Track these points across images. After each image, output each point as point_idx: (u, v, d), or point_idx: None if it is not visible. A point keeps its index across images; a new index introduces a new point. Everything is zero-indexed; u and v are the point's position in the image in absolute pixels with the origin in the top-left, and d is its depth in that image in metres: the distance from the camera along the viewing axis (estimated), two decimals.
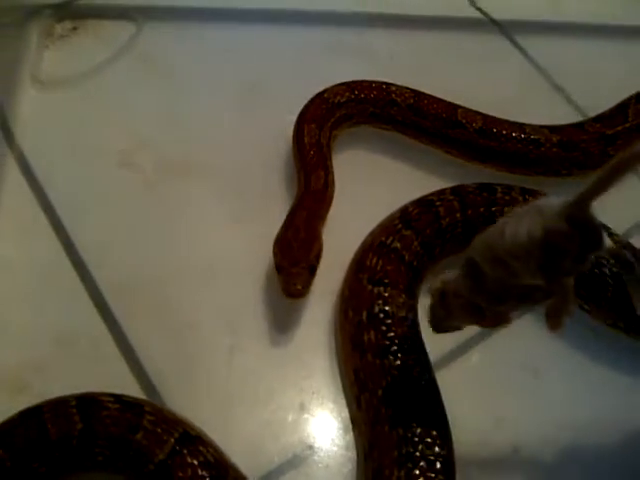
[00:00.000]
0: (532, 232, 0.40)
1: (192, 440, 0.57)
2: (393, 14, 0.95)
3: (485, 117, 0.79)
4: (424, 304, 0.67)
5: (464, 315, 0.48)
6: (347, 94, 0.79)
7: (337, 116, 0.77)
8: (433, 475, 0.55)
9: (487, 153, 0.79)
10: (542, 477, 0.65)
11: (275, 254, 0.67)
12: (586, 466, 0.65)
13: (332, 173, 0.74)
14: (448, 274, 0.49)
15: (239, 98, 0.84)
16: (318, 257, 0.67)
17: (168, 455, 0.55)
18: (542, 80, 0.91)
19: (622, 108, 0.82)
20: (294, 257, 0.65)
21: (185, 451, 0.56)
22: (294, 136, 0.76)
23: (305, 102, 0.78)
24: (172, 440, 0.56)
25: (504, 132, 0.78)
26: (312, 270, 0.66)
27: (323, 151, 0.74)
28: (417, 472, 0.55)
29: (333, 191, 0.74)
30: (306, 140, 0.74)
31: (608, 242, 0.43)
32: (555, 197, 0.41)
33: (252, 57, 0.88)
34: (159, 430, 0.56)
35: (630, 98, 0.83)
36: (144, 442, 0.56)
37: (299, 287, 0.63)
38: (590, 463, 0.65)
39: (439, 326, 0.53)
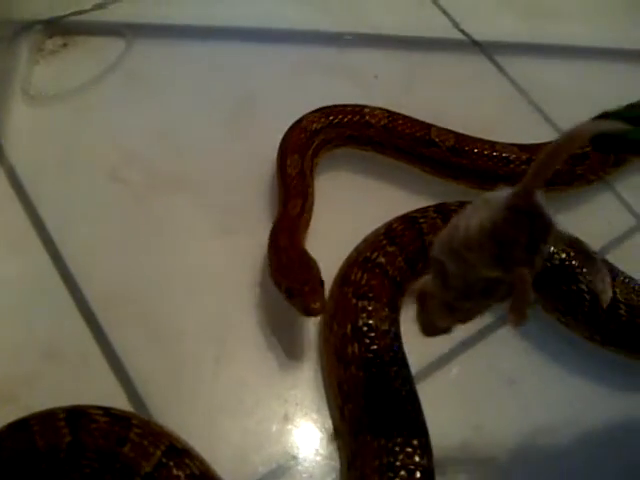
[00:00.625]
0: (482, 224, 0.41)
1: (178, 453, 0.58)
2: (378, 34, 0.96)
3: (458, 135, 0.81)
4: (407, 317, 0.70)
5: (439, 314, 0.49)
6: (323, 120, 0.80)
7: (316, 143, 0.79)
8: None
9: (459, 170, 0.81)
10: None
11: (280, 282, 0.66)
12: (562, 472, 0.67)
13: (311, 200, 0.75)
14: (426, 277, 0.49)
15: (226, 115, 0.85)
16: (319, 269, 0.67)
17: (154, 468, 0.56)
18: (522, 100, 0.94)
19: None
20: (301, 277, 0.65)
21: (171, 464, 0.57)
22: (278, 166, 0.76)
23: (292, 120, 0.80)
24: (159, 453, 0.57)
25: (475, 150, 0.80)
26: (322, 283, 0.66)
27: (306, 180, 0.75)
28: None
29: (309, 217, 0.74)
30: (289, 171, 0.75)
31: (564, 233, 0.43)
32: (504, 189, 0.41)
33: (239, 75, 0.89)
34: (146, 443, 0.57)
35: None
36: (131, 455, 0.57)
37: (318, 305, 0.63)
38: (566, 470, 0.67)
39: (427, 330, 0.53)
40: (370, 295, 0.67)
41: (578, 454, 0.68)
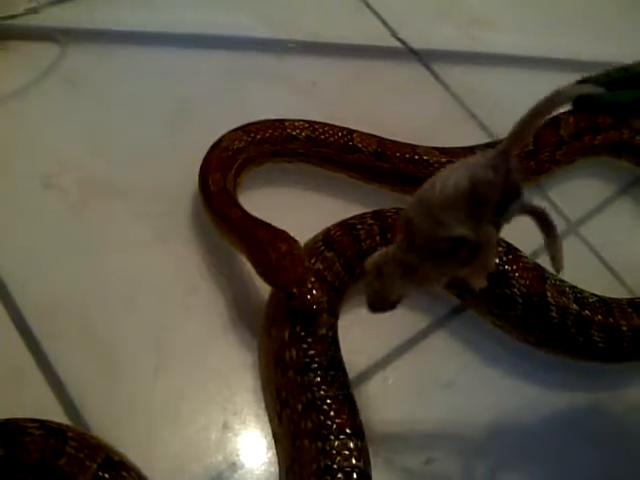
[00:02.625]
0: (459, 183, 0.42)
1: (115, 465, 0.57)
2: (316, 42, 0.97)
3: (380, 140, 0.82)
4: (345, 323, 0.71)
5: (397, 278, 0.49)
6: (245, 138, 0.78)
7: (239, 162, 0.77)
8: None
9: (382, 174, 0.82)
10: None
11: (276, 281, 0.65)
12: (498, 471, 0.69)
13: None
14: (381, 249, 0.51)
15: (163, 120, 0.85)
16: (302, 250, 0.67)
17: None
18: (458, 107, 0.96)
19: None
20: (296, 276, 0.64)
21: (107, 476, 0.56)
22: (200, 188, 0.75)
23: (230, 126, 0.80)
24: (95, 465, 0.56)
25: (397, 154, 0.81)
26: (315, 273, 0.66)
27: (231, 195, 0.74)
28: None
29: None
30: (212, 189, 0.73)
31: (529, 198, 0.46)
32: (483, 152, 0.44)
33: (176, 80, 0.89)
34: (82, 455, 0.57)
35: None
36: (67, 468, 0.56)
37: (320, 300, 0.63)
38: (503, 471, 0.69)
39: (375, 303, 0.53)
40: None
41: (514, 453, 0.70)
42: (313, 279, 0.64)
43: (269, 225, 0.69)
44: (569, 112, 0.89)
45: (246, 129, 0.79)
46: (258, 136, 0.79)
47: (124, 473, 0.57)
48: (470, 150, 0.83)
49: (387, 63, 1.00)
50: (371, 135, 0.82)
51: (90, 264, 0.73)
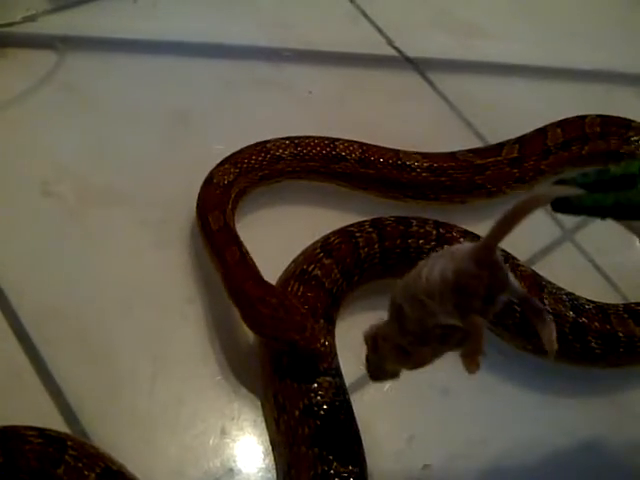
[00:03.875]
0: (444, 273, 0.43)
1: (113, 475, 0.57)
2: (312, 50, 0.98)
3: (362, 146, 0.82)
4: (342, 329, 0.71)
5: (392, 358, 0.50)
6: (233, 170, 0.77)
7: (233, 196, 0.76)
8: None
9: (367, 180, 0.82)
10: None
11: (278, 335, 0.64)
12: None
13: (244, 246, 0.72)
14: (379, 321, 0.50)
15: (162, 129, 0.85)
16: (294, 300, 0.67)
17: None
18: (453, 115, 0.97)
19: (500, 145, 0.88)
20: (295, 324, 0.63)
21: None
22: (200, 227, 0.74)
23: (228, 134, 0.80)
24: (93, 475, 0.56)
25: (381, 159, 0.81)
26: (314, 315, 0.67)
27: (232, 230, 0.73)
28: None
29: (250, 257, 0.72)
30: (213, 227, 0.72)
31: (517, 287, 0.46)
32: (466, 243, 0.44)
33: (176, 89, 0.89)
34: (80, 465, 0.57)
35: (510, 140, 0.89)
36: (65, 477, 0.56)
37: (324, 340, 0.63)
38: (498, 477, 0.69)
39: (375, 374, 0.54)
40: (306, 307, 0.68)
41: (511, 461, 0.70)
42: (312, 323, 0.64)
43: (259, 279, 0.68)
44: (557, 123, 0.90)
45: (232, 161, 0.78)
46: (245, 165, 0.78)
47: None
48: (451, 155, 0.84)
49: (383, 72, 1.00)
50: (354, 142, 0.82)
51: (88, 271, 0.74)
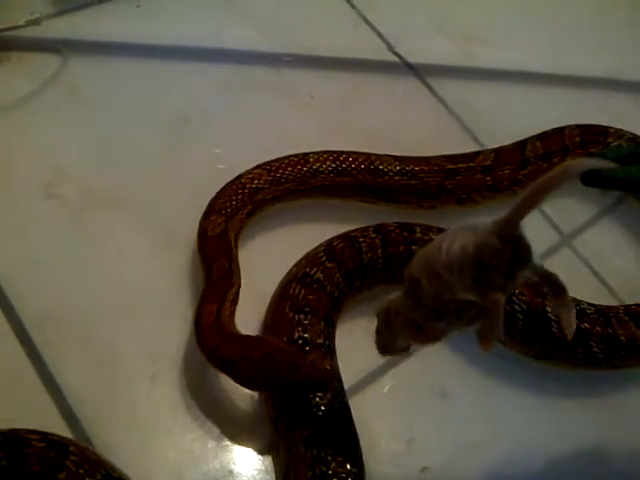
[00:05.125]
0: (465, 247, 0.42)
1: None
2: (314, 55, 0.98)
3: (332, 155, 0.80)
4: (342, 332, 0.71)
5: (405, 332, 0.49)
6: (219, 219, 0.75)
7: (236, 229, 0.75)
8: None
9: (344, 189, 0.81)
10: None
11: (276, 387, 0.62)
12: None
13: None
14: (392, 295, 0.50)
15: (163, 132, 0.86)
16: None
17: None
18: (452, 121, 0.97)
19: (476, 153, 0.87)
20: (289, 368, 0.60)
21: None
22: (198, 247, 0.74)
23: (228, 138, 0.80)
24: None
25: (353, 165, 0.80)
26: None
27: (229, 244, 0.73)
28: None
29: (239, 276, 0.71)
30: (209, 233, 0.72)
31: (538, 264, 0.45)
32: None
33: (176, 93, 0.90)
34: (81, 471, 0.57)
35: (488, 149, 0.89)
36: None
37: (324, 366, 0.60)
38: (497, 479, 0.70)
39: (385, 348, 0.53)
40: (307, 309, 0.69)
41: (511, 464, 0.71)
42: (304, 356, 0.61)
43: (232, 336, 0.65)
44: (537, 136, 0.89)
45: (217, 209, 0.75)
46: (230, 210, 0.75)
47: None
48: (424, 159, 0.83)
49: (384, 77, 1.01)
50: (324, 152, 0.81)
51: (90, 273, 0.74)
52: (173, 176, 0.82)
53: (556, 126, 0.91)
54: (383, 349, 0.54)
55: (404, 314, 0.48)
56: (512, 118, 0.98)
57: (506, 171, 0.85)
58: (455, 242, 0.43)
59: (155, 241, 0.77)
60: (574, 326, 0.45)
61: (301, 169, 0.79)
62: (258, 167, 0.79)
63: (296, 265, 0.75)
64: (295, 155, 0.80)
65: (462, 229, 0.44)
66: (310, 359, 0.60)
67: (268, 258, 0.77)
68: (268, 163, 0.79)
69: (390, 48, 1.04)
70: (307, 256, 0.75)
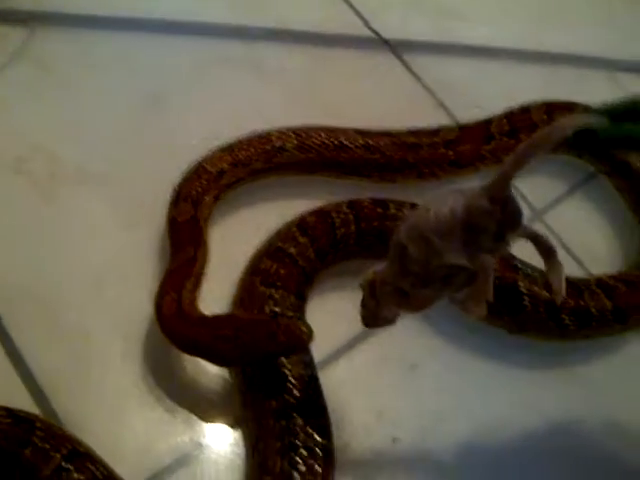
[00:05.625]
0: (454, 210, 0.42)
1: (80, 456, 0.58)
2: (286, 29, 0.97)
3: (295, 131, 0.79)
4: (313, 306, 0.71)
5: (391, 302, 0.49)
6: (187, 207, 0.73)
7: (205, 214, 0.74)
8: (313, 461, 0.59)
9: (309, 165, 0.80)
10: (419, 466, 0.69)
11: (257, 359, 0.62)
12: (460, 455, 0.70)
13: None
14: (377, 265, 0.50)
15: (133, 106, 0.84)
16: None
17: (54, 471, 0.56)
18: (427, 96, 0.96)
19: (441, 128, 0.86)
20: (265, 337, 0.59)
21: (72, 467, 0.57)
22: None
23: (201, 113, 0.79)
24: (58, 456, 0.57)
25: (317, 141, 0.79)
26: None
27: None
28: (298, 459, 0.59)
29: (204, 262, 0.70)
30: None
31: (528, 225, 0.45)
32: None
33: (146, 66, 0.89)
34: (47, 446, 0.57)
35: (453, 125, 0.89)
36: (31, 458, 0.56)
37: (302, 327, 0.59)
38: (464, 452, 0.70)
39: (371, 320, 0.52)
40: (278, 284, 0.69)
41: (481, 436, 0.71)
42: (276, 322, 0.61)
43: (200, 319, 0.64)
44: (503, 115, 0.88)
45: (183, 196, 0.74)
46: (197, 197, 0.74)
47: (89, 464, 0.58)
48: (388, 133, 0.83)
49: (359, 53, 1.00)
50: (286, 129, 0.79)
51: (59, 250, 0.74)
52: (142, 151, 0.81)
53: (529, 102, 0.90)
54: (368, 323, 0.53)
55: (391, 283, 0.48)
56: (487, 94, 0.97)
57: (468, 146, 0.84)
58: (445, 206, 0.42)
59: (125, 217, 0.77)
60: (564, 289, 0.44)
61: (264, 148, 0.78)
62: (220, 150, 0.77)
63: (267, 240, 0.74)
64: (257, 134, 0.79)
65: (450, 193, 0.43)
66: (283, 324, 0.60)
67: (239, 236, 0.76)
68: (230, 144, 0.78)
69: (366, 23, 1.03)
70: (279, 231, 0.75)
